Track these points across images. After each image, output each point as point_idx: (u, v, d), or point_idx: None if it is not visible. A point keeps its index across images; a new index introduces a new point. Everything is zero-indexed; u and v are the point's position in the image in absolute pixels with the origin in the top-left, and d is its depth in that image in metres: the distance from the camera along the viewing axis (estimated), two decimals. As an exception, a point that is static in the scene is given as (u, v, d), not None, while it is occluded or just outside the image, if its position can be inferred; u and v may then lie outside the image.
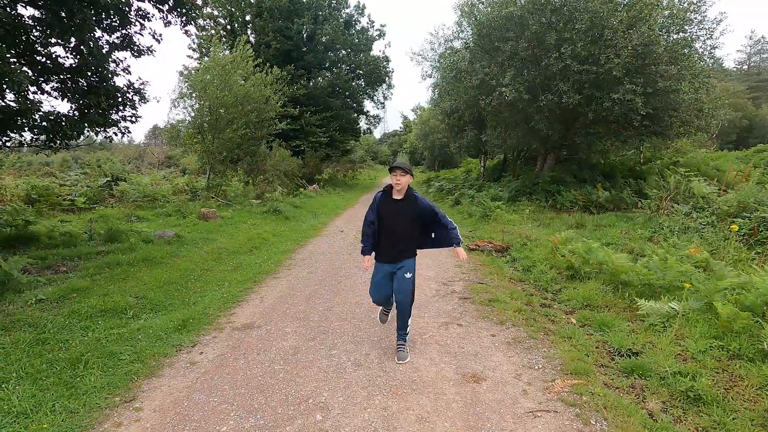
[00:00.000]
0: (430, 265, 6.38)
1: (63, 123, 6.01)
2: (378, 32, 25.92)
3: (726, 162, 14.05)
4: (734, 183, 9.05)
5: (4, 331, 3.51)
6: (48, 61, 5.93)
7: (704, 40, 10.55)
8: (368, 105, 28.26)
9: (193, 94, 12.39)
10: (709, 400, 2.65)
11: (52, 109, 6.04)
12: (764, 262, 5.06)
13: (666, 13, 9.98)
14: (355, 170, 30.71)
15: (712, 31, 10.44)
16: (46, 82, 6.12)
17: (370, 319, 4.22)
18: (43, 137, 6.11)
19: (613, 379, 3.04)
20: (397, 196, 3.33)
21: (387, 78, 26.58)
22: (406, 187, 3.32)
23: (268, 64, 16.15)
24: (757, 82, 50.37)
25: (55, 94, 6.24)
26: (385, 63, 25.94)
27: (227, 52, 14.41)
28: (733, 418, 2.50)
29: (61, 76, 6.15)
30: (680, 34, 10.24)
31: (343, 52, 24.29)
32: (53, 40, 5.81)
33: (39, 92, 6.10)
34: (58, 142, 6.29)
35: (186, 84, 12.43)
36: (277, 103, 14.96)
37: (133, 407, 2.68)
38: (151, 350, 3.40)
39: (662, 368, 3.02)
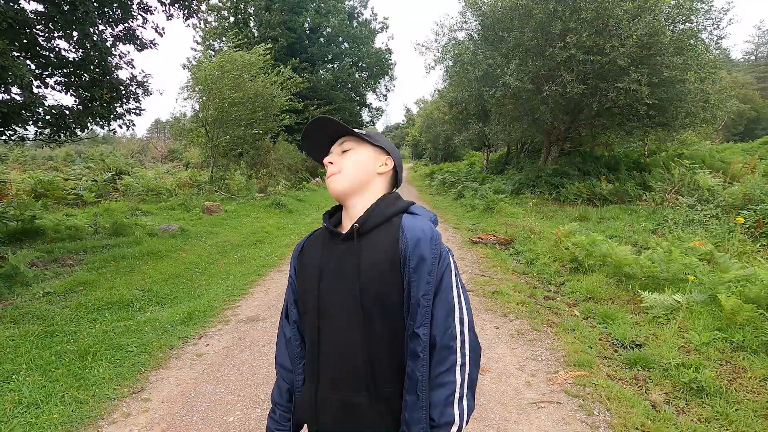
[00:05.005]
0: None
1: (67, 117, 6.04)
2: (381, 25, 25.77)
3: (732, 154, 13.94)
4: (740, 175, 8.99)
5: (14, 323, 3.56)
6: (51, 55, 5.94)
7: (711, 31, 10.44)
8: (371, 97, 28.07)
9: (197, 87, 12.38)
10: (712, 392, 2.66)
11: (56, 103, 6.07)
12: (769, 254, 5.04)
13: (672, 2, 9.86)
14: (358, 163, 30.58)
15: (719, 21, 10.33)
16: (50, 75, 6.14)
17: (374, 312, 4.25)
18: (47, 131, 6.14)
19: (616, 371, 3.05)
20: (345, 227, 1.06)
21: (389, 70, 26.47)
22: (361, 187, 1.02)
23: (275, 61, 16.12)
24: (765, 72, 49.73)
25: (58, 87, 6.27)
26: (387, 55, 25.80)
27: (228, 45, 14.33)
28: (736, 409, 2.51)
29: (65, 70, 6.16)
30: (686, 24, 10.12)
31: (346, 44, 24.17)
32: (56, 34, 5.82)
33: (43, 86, 6.12)
34: (63, 135, 6.32)
35: (192, 77, 12.41)
36: (285, 98, 14.94)
37: (142, 398, 2.72)
38: (157, 342, 3.44)
39: (665, 360, 3.03)
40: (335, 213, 1.11)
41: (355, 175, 1.01)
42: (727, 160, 12.15)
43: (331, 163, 1.02)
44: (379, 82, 26.98)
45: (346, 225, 1.05)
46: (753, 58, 56.68)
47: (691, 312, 3.66)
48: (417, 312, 0.92)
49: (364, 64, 25.02)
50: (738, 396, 2.63)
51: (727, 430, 2.36)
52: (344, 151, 1.03)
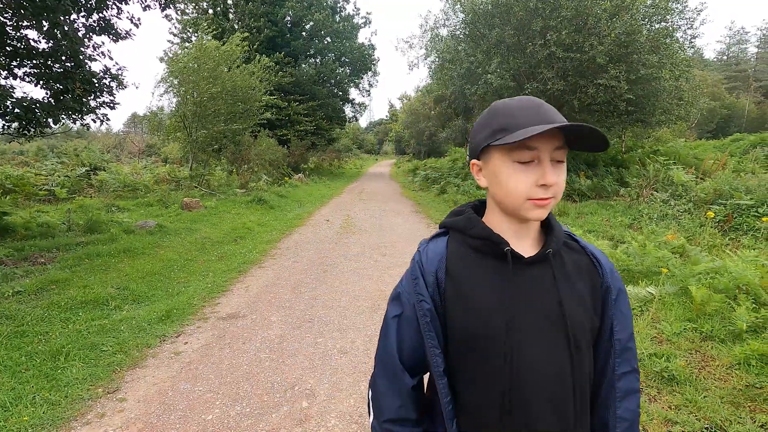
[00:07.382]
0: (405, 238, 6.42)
1: (37, 110, 5.82)
2: (364, 20, 25.59)
3: (704, 151, 14.37)
4: (711, 171, 9.27)
5: (-19, 323, 3.43)
6: (20, 45, 5.71)
7: (685, 30, 10.74)
8: (354, 93, 27.91)
9: (175, 81, 12.07)
10: (682, 380, 2.75)
11: (25, 95, 5.84)
12: (737, 247, 5.23)
13: (648, 2, 10.09)
14: (341, 159, 30.48)
15: (693, 21, 10.63)
16: (19, 66, 5.91)
17: (356, 307, 4.25)
18: (15, 125, 5.91)
19: (592, 362, 3.12)
20: (524, 246, 0.87)
21: (372, 66, 26.33)
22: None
23: (255, 53, 15.83)
24: (736, 72, 51.46)
25: (28, 79, 6.03)
26: (370, 51, 25.68)
27: (210, 37, 13.98)
28: (704, 396, 2.60)
29: (35, 61, 5.93)
30: (662, 23, 10.38)
31: (329, 39, 23.93)
32: (25, 23, 5.59)
33: (11, 77, 5.89)
34: (32, 129, 6.09)
35: (168, 71, 12.08)
36: (264, 92, 14.70)
37: (117, 398, 2.66)
38: (134, 341, 3.37)
39: (639, 350, 3.12)
40: (457, 215, 0.92)
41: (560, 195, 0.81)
42: (699, 156, 12.52)
43: (551, 183, 0.77)
44: (362, 78, 26.82)
45: (511, 240, 0.84)
46: (725, 57, 58.56)
47: (664, 303, 3.78)
48: (629, 348, 0.88)
49: (347, 59, 24.81)
50: (706, 384, 2.73)
51: (696, 416, 2.45)
52: (557, 162, 0.79)
